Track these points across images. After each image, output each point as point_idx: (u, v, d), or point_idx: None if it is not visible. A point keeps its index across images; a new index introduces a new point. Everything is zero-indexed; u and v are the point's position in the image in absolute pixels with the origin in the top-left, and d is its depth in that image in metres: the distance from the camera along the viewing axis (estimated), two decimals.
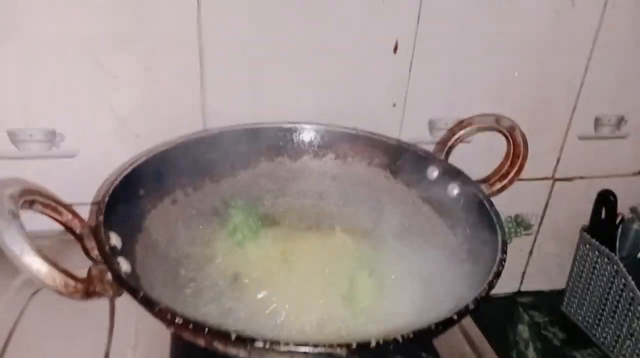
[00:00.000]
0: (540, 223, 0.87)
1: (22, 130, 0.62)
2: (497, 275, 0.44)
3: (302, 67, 0.66)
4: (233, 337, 0.36)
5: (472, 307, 0.40)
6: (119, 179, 0.52)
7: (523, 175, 0.80)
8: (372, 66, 0.68)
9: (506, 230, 0.85)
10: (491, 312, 0.89)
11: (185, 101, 0.64)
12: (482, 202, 0.54)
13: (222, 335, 0.36)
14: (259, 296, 0.49)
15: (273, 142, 0.66)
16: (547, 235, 0.88)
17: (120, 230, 0.48)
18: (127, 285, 0.39)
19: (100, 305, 0.56)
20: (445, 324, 0.39)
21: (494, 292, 0.89)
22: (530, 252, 0.90)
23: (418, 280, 0.52)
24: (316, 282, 0.52)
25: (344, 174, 0.66)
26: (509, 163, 0.58)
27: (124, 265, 0.43)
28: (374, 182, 0.65)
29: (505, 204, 0.85)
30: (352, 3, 0.63)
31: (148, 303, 0.38)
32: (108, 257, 0.41)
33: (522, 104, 0.75)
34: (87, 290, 0.39)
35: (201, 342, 0.37)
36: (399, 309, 0.51)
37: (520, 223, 0.87)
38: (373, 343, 0.35)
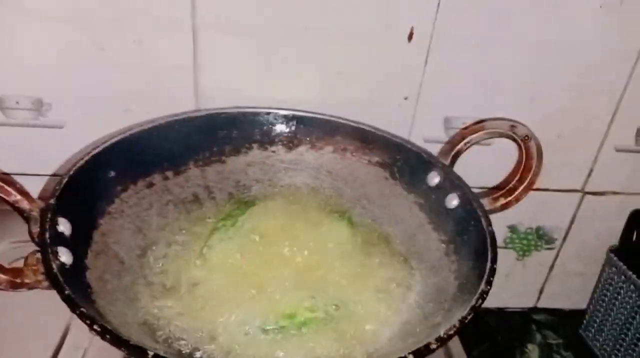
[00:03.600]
0: (565, 238, 0.80)
1: (9, 96, 0.60)
2: (473, 309, 0.38)
3: (308, 50, 0.61)
4: (150, 355, 0.32)
5: (433, 346, 0.35)
6: (86, 158, 0.49)
7: (550, 185, 0.75)
8: (383, 54, 0.61)
9: (526, 242, 0.80)
10: (502, 326, 0.83)
11: (177, 79, 0.60)
12: (479, 219, 0.48)
13: (140, 351, 0.32)
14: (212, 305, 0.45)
15: (267, 128, 0.61)
16: (571, 251, 0.81)
17: (77, 214, 0.45)
18: (54, 279, 0.36)
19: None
20: None
21: (507, 305, 0.86)
22: (551, 268, 0.83)
23: (393, 297, 0.47)
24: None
25: (341, 169, 0.61)
26: (518, 177, 0.52)
27: (64, 256, 0.40)
28: (371, 181, 0.60)
29: (528, 215, 0.78)
30: None
31: (70, 303, 0.35)
32: (44, 245, 0.38)
33: (555, 109, 0.67)
34: (14, 282, 0.36)
35: (122, 351, 0.34)
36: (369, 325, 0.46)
37: (542, 237, 0.79)
38: None
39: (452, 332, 0.36)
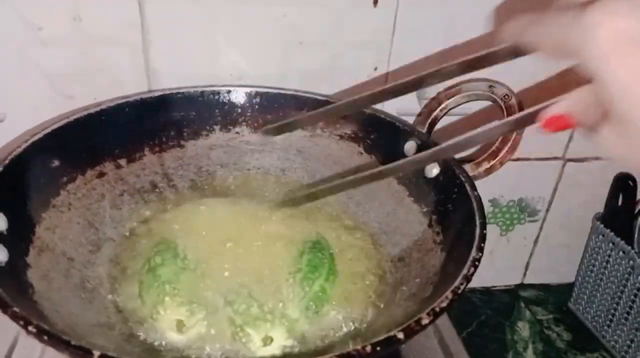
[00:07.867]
0: (548, 209, 0.77)
1: None
2: (466, 278, 0.34)
3: (267, 20, 0.56)
4: (96, 355, 0.27)
5: (425, 321, 0.31)
6: (23, 146, 0.43)
7: (530, 154, 0.71)
8: (347, 22, 0.57)
9: (508, 216, 0.77)
10: (488, 306, 0.80)
11: (124, 58, 0.55)
12: (463, 185, 0.44)
13: (81, 350, 0.27)
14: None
15: (229, 108, 0.56)
16: (556, 222, 0.78)
17: (14, 207, 0.40)
18: None
19: None
20: (385, 343, 0.29)
21: (493, 283, 0.82)
22: (536, 241, 0.80)
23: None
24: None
25: (312, 147, 0.57)
26: (500, 139, 0.48)
27: None
28: (344, 157, 0.56)
29: (509, 187, 0.75)
30: None
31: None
32: None
33: (532, 72, 0.64)
34: None
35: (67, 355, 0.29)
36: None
37: (525, 209, 0.76)
38: None
39: (444, 304, 0.32)
